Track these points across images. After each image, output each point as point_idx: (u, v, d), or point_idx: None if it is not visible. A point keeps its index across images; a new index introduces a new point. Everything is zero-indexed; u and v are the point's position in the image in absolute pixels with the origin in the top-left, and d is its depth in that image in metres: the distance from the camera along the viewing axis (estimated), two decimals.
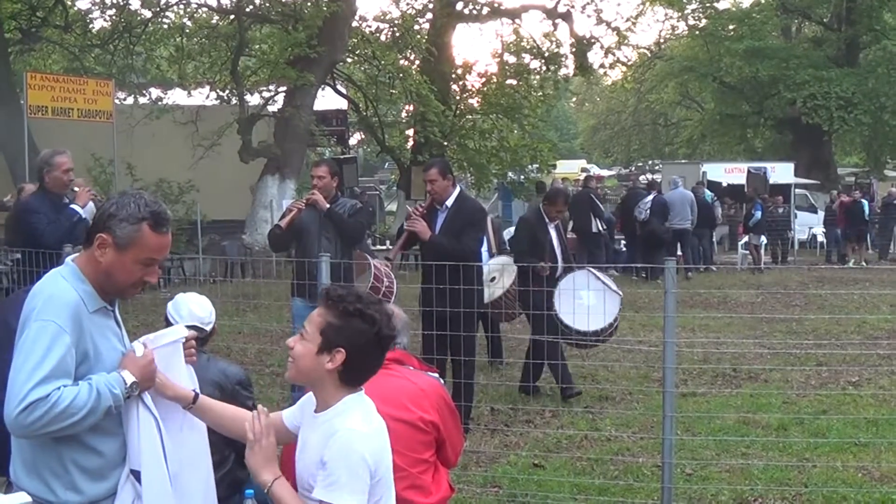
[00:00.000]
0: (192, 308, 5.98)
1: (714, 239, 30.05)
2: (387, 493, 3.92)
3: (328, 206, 10.43)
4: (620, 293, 11.52)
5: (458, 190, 10.46)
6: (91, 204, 9.94)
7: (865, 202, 33.59)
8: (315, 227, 10.38)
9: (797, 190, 38.35)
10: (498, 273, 12.63)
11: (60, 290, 4.06)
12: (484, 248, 14.01)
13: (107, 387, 3.98)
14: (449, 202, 10.15)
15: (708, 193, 29.93)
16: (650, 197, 25.66)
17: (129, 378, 4.06)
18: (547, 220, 11.92)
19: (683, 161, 48.19)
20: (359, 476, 3.72)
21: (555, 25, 35.13)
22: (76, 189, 9.94)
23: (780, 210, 33.20)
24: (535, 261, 11.23)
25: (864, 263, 30.51)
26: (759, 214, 28.32)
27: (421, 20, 33.00)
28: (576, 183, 39.10)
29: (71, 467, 4.08)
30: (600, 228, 24.55)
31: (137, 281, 4.25)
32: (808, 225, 37.68)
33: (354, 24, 28.34)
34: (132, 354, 4.18)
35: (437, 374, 5.38)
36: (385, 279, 11.14)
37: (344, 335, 3.86)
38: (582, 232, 24.97)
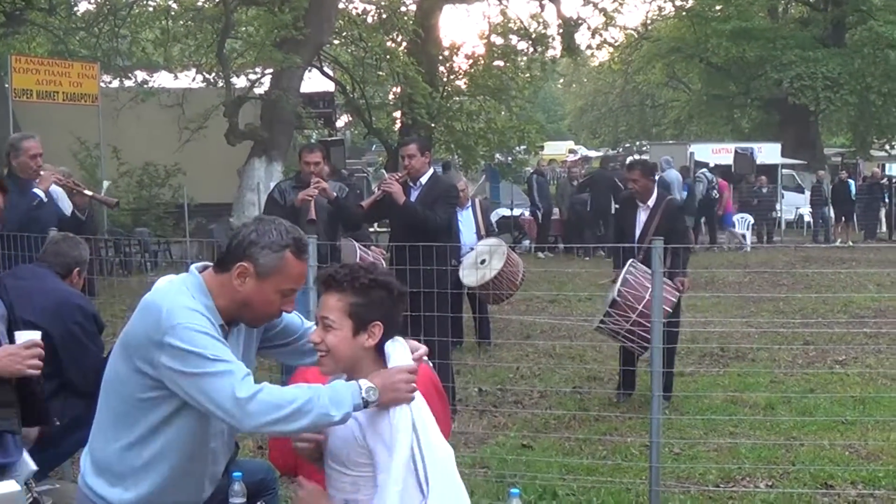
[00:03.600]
0: None
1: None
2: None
3: (335, 194, 10.47)
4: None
5: (432, 170, 10.49)
6: (57, 188, 9.87)
7: (852, 182, 33.74)
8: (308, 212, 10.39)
9: (784, 170, 38.40)
10: (487, 255, 12.64)
11: (182, 300, 3.96)
12: (473, 231, 14.08)
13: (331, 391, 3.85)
14: (423, 179, 10.18)
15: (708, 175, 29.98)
16: None
17: (366, 383, 3.88)
18: None
19: (671, 142, 48.19)
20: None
21: (542, 6, 35.06)
22: (43, 174, 9.82)
23: (765, 190, 33.34)
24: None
25: (850, 243, 30.60)
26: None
27: (408, 2, 32.93)
28: (563, 165, 39.18)
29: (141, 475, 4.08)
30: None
31: (276, 312, 4.19)
32: (795, 205, 37.75)
33: (341, 5, 28.24)
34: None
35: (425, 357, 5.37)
36: (371, 260, 11.14)
37: (374, 309, 3.94)
38: (601, 212, 25.26)
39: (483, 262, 12.54)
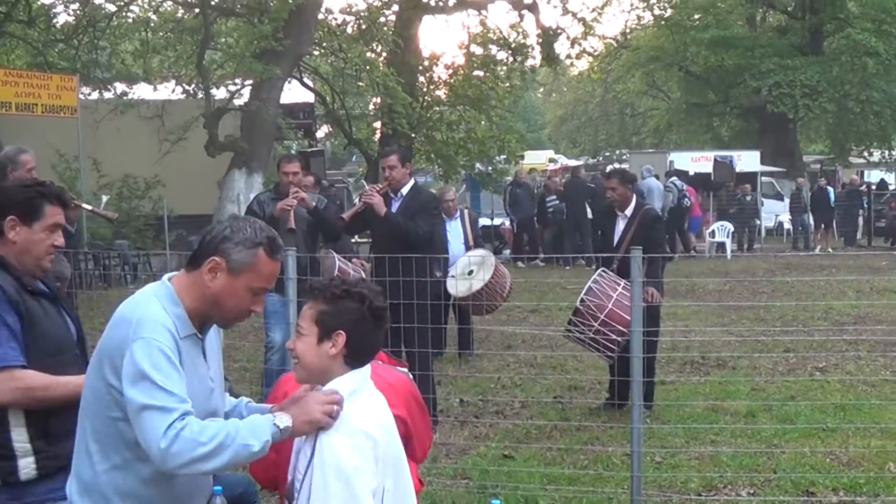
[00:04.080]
0: None
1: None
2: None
3: (314, 204, 10.49)
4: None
5: (413, 181, 10.50)
6: None
7: (831, 189, 33.87)
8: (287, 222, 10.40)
9: (763, 178, 38.54)
10: (476, 266, 12.64)
11: (152, 312, 3.91)
12: (461, 241, 14.08)
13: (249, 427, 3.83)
14: (404, 191, 10.20)
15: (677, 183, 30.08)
16: None
17: (280, 413, 3.91)
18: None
19: (651, 150, 48.33)
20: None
21: (521, 16, 35.06)
22: None
23: (749, 198, 33.44)
24: None
25: (829, 250, 30.71)
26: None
27: (387, 12, 32.90)
28: (543, 174, 39.19)
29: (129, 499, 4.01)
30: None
31: (245, 310, 4.15)
32: (775, 212, 37.88)
33: (320, 16, 28.24)
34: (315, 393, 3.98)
35: (405, 369, 5.37)
36: (352, 273, 11.13)
37: (339, 317, 3.92)
38: (576, 220, 25.30)
39: (471, 272, 12.55)
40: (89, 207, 10.63)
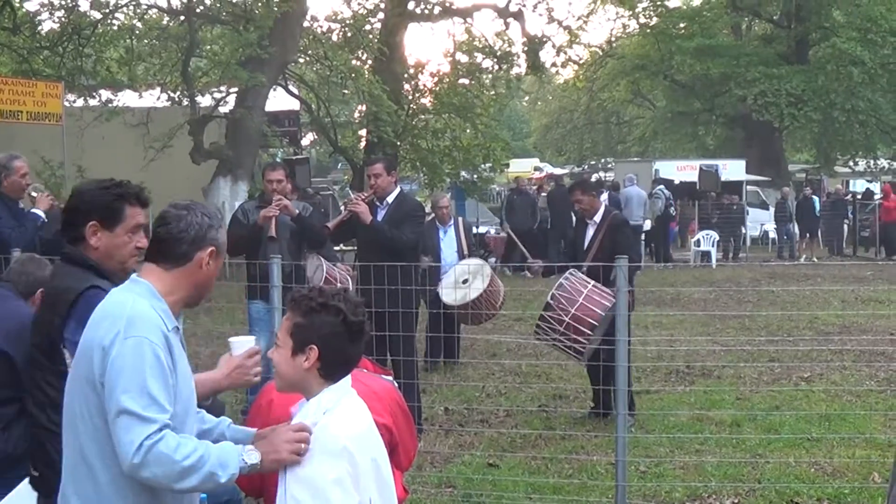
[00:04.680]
0: None
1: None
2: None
3: (297, 212, 10.47)
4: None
5: (398, 189, 10.49)
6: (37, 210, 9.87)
7: (816, 198, 33.95)
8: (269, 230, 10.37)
9: (748, 187, 38.62)
10: (470, 275, 12.60)
11: (141, 309, 3.87)
12: (454, 249, 14.05)
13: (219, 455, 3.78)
14: (390, 199, 10.20)
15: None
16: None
17: (249, 447, 3.87)
18: None
19: (636, 159, 48.37)
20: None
21: (507, 24, 35.11)
22: (33, 194, 9.89)
23: (735, 207, 33.54)
24: None
25: (814, 259, 30.78)
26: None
27: (372, 20, 32.87)
28: (528, 182, 39.19)
29: None
30: None
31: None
32: (760, 221, 37.95)
33: (306, 24, 28.21)
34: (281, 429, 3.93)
35: (391, 378, 5.36)
36: (338, 285, 11.09)
37: (312, 331, 3.88)
38: (560, 228, 25.27)
39: (465, 281, 12.52)
40: None
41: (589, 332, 9.79)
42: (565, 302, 9.91)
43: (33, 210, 9.71)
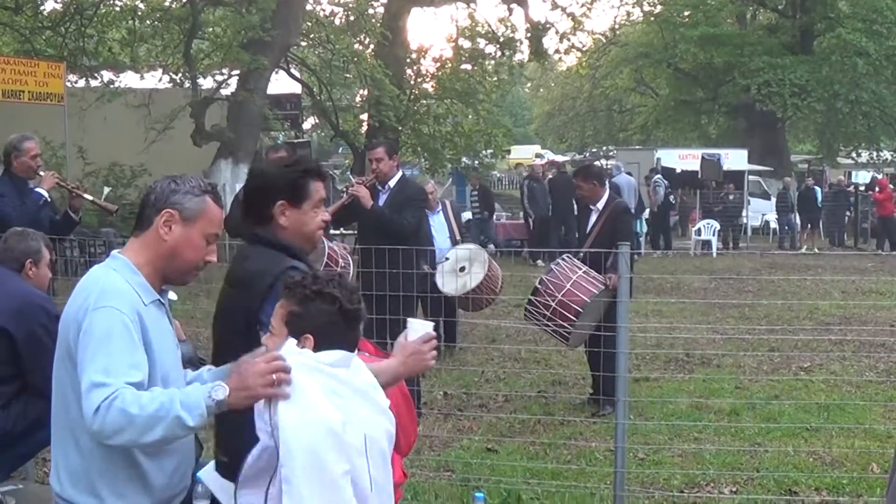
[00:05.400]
0: None
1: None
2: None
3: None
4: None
5: (400, 173, 10.47)
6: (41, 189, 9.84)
7: (818, 189, 33.92)
8: None
9: (751, 177, 38.58)
10: (467, 262, 12.55)
11: (112, 281, 3.91)
12: (446, 235, 14.00)
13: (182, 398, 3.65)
14: (391, 183, 10.15)
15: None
16: None
17: (219, 393, 3.63)
18: None
19: (638, 147, 48.32)
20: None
21: (510, 10, 35.10)
22: (41, 174, 9.86)
23: (732, 197, 33.51)
24: None
25: (816, 250, 30.76)
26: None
27: (375, 4, 32.84)
28: (529, 168, 39.14)
29: (125, 480, 3.96)
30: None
31: (202, 260, 4.18)
32: (761, 211, 37.91)
33: (308, 7, 28.20)
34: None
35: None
36: (340, 260, 11.06)
37: (307, 320, 3.82)
38: (561, 215, 25.21)
39: (462, 268, 12.47)
40: (90, 198, 10.56)
41: (573, 318, 9.83)
42: (553, 287, 9.99)
43: (36, 189, 9.66)
